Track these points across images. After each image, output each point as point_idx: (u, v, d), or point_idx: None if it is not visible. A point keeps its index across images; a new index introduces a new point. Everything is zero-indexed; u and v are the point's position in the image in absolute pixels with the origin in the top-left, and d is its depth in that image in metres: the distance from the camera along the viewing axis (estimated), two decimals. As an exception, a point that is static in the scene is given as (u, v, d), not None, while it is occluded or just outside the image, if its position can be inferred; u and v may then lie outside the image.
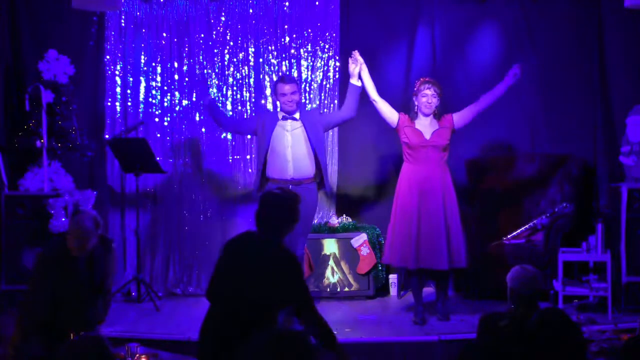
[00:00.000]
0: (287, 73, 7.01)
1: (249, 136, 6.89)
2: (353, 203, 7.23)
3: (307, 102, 7.16)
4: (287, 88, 6.04)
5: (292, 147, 6.00)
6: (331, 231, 6.91)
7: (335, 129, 7.14)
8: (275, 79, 7.14)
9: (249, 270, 3.82)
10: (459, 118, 6.05)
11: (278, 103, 6.19)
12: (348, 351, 5.39)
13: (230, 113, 7.08)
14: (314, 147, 6.02)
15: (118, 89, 7.09)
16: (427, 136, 5.91)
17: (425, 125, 5.96)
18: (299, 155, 6.01)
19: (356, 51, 6.04)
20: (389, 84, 7.30)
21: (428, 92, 5.92)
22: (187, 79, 7.14)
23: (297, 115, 6.08)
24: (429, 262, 5.79)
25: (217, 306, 3.96)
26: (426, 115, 5.96)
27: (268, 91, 7.16)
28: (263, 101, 7.17)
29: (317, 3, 7.18)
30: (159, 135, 7.13)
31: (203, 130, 7.16)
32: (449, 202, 5.87)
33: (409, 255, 5.78)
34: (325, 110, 7.11)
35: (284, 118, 6.06)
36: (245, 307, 3.78)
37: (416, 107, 5.99)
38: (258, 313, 3.73)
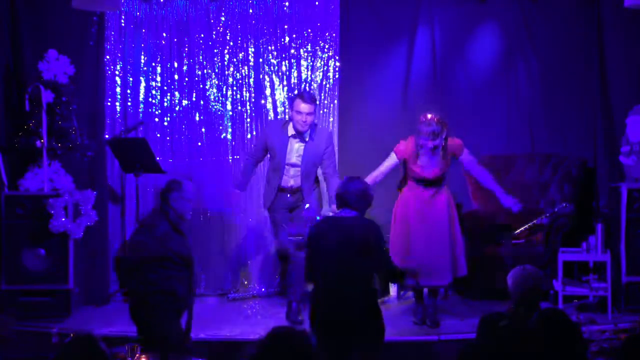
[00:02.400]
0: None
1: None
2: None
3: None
4: (304, 107, 5.87)
5: (292, 164, 6.05)
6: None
7: (335, 129, 7.16)
8: (275, 78, 7.15)
9: (354, 244, 4.49)
10: (467, 162, 5.92)
11: (287, 117, 6.07)
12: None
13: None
14: (305, 169, 6.03)
15: (118, 89, 7.08)
16: (429, 173, 5.80)
17: (427, 161, 5.81)
18: (295, 171, 6.08)
19: None
20: (389, 84, 7.32)
21: (424, 139, 5.68)
22: (187, 79, 7.14)
23: (306, 137, 6.00)
24: (434, 280, 5.81)
25: (326, 284, 4.55)
26: (428, 149, 5.78)
27: (268, 91, 7.16)
28: (263, 101, 7.17)
29: (317, 3, 7.18)
30: (159, 135, 7.13)
31: (203, 130, 7.16)
32: (449, 216, 5.85)
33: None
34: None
35: (293, 136, 6.01)
36: (352, 278, 4.48)
37: (419, 146, 5.76)
38: (361, 283, 4.51)
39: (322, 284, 4.58)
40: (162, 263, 4.65)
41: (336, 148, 7.14)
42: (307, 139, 6.01)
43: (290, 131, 6.01)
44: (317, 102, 6.21)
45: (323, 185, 6.33)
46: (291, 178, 6.07)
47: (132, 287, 4.80)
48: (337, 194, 4.70)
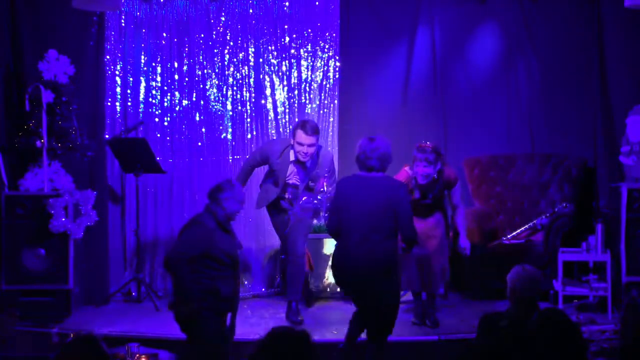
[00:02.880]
0: (287, 74, 6.97)
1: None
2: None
3: (307, 102, 7.16)
4: (306, 139, 5.76)
5: (292, 184, 6.04)
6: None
7: (336, 128, 7.17)
8: (275, 78, 7.15)
9: (380, 200, 4.84)
10: (454, 193, 5.86)
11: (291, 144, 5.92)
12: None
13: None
14: (304, 191, 6.02)
15: (118, 89, 7.09)
16: (423, 200, 5.75)
17: (422, 191, 5.76)
18: (293, 189, 6.06)
19: None
20: (389, 84, 7.32)
21: (420, 164, 5.61)
22: (187, 79, 7.14)
23: (307, 165, 5.95)
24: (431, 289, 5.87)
25: (349, 239, 4.87)
26: (421, 182, 5.71)
27: (268, 91, 7.17)
28: (263, 101, 7.17)
29: (317, 3, 7.18)
30: (159, 135, 7.14)
31: (203, 130, 7.17)
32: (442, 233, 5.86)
33: (414, 279, 5.79)
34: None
35: (294, 162, 5.93)
36: (376, 234, 4.81)
37: (414, 176, 5.69)
38: (385, 238, 4.83)
39: (346, 238, 4.90)
40: (208, 263, 4.63)
41: (336, 148, 7.16)
42: (308, 166, 5.97)
43: (292, 156, 5.92)
44: (319, 133, 5.98)
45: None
46: (290, 194, 6.09)
47: (179, 287, 4.73)
48: (359, 160, 4.97)
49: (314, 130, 5.80)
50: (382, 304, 4.92)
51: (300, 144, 5.76)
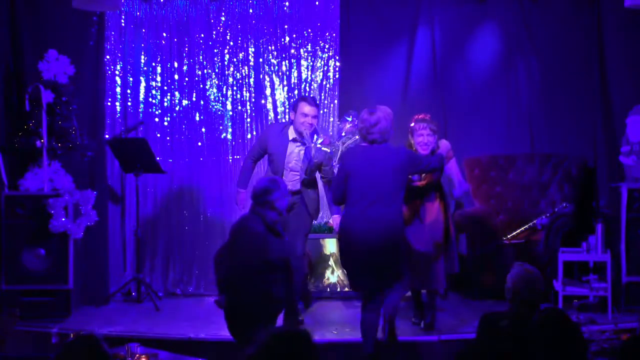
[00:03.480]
0: (287, 74, 7.01)
1: None
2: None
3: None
4: (309, 110, 5.85)
5: (291, 168, 5.99)
6: (331, 231, 6.91)
7: (336, 129, 7.14)
8: (275, 78, 7.15)
9: (385, 167, 5.03)
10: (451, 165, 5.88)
11: (289, 117, 6.02)
12: (348, 351, 5.42)
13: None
14: (304, 174, 5.97)
15: (118, 89, 7.09)
16: (421, 179, 5.78)
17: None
18: (294, 176, 6.00)
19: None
20: (389, 84, 7.32)
21: (424, 132, 5.69)
22: (187, 79, 7.14)
23: (306, 142, 5.93)
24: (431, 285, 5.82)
25: (354, 205, 5.04)
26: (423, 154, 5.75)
27: (268, 91, 7.17)
28: (263, 101, 7.17)
29: (317, 3, 7.18)
30: (159, 135, 7.14)
31: (203, 130, 7.17)
32: (444, 221, 5.83)
33: (414, 276, 5.78)
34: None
35: (294, 140, 5.95)
36: (382, 200, 5.00)
37: (413, 146, 5.74)
38: (392, 205, 5.02)
39: (352, 206, 5.03)
40: (261, 268, 4.58)
41: (336, 148, 7.16)
42: (307, 143, 5.99)
43: (291, 135, 5.95)
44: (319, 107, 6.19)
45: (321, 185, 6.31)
46: (290, 182, 6.01)
47: (230, 293, 4.71)
48: (361, 134, 5.19)
49: (316, 102, 6.03)
50: (390, 269, 5.01)
51: (305, 115, 5.84)
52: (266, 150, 6.05)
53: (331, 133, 6.47)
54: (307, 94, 7.13)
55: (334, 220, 5.87)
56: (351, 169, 5.11)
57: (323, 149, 5.82)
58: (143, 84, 7.11)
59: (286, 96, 7.17)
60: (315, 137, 5.87)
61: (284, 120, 7.10)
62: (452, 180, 5.99)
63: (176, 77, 7.15)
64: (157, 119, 7.14)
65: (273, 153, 5.97)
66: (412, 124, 5.77)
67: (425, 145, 5.68)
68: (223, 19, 7.15)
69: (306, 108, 5.84)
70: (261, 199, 4.71)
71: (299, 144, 5.95)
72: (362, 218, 4.98)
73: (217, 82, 7.15)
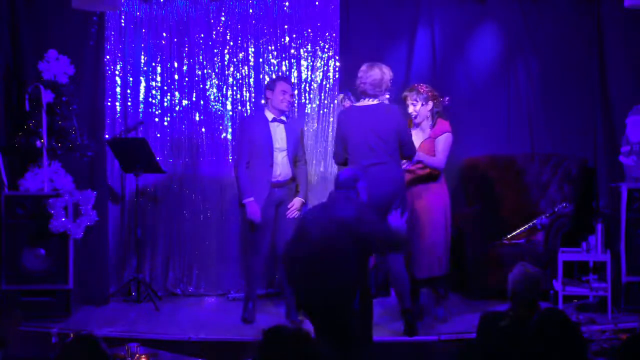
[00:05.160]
0: (286, 74, 7.04)
1: None
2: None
3: (307, 102, 7.16)
4: (288, 88, 6.15)
5: (279, 148, 6.08)
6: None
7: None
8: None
9: (379, 127, 5.37)
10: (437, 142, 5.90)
11: (264, 101, 6.27)
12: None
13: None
14: (291, 151, 6.12)
15: (118, 89, 7.09)
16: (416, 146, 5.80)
17: (415, 136, 5.86)
18: (283, 157, 6.11)
19: None
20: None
21: (408, 102, 5.90)
22: (187, 79, 7.14)
23: (284, 118, 6.16)
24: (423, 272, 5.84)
25: (354, 164, 5.34)
26: (416, 125, 5.93)
27: (268, 91, 7.17)
28: (263, 101, 7.15)
29: (317, 3, 7.18)
30: (159, 135, 7.14)
31: (203, 130, 7.17)
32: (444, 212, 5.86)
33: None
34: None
35: (273, 120, 6.10)
36: (378, 159, 5.34)
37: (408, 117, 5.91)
38: (388, 162, 5.38)
39: (353, 165, 5.27)
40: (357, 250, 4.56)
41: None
42: (285, 120, 6.15)
43: (269, 116, 6.11)
44: None
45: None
46: (279, 166, 6.05)
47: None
48: (357, 85, 5.50)
49: (290, 80, 6.54)
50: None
51: (285, 92, 6.10)
52: (254, 144, 6.05)
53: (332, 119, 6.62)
54: (307, 94, 7.15)
55: None
56: (346, 129, 5.44)
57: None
58: (143, 84, 7.11)
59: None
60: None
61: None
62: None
63: (176, 77, 7.15)
64: (157, 119, 7.14)
65: (260, 139, 6.03)
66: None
67: (413, 116, 5.89)
68: (223, 19, 7.15)
69: (285, 85, 6.12)
70: (349, 183, 4.76)
71: (278, 123, 6.12)
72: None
73: (217, 82, 7.15)
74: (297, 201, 6.15)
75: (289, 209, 6.13)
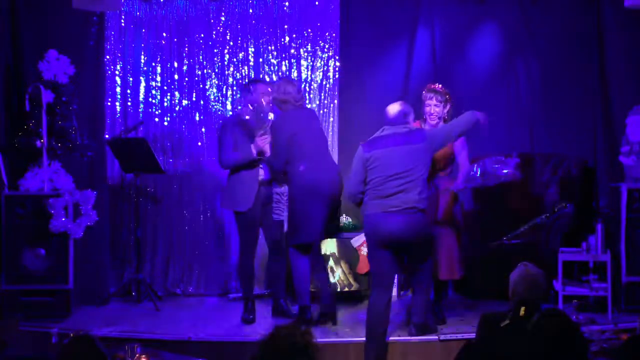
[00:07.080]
0: (286, 73, 7.04)
1: None
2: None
3: (307, 102, 7.16)
4: (267, 88, 6.13)
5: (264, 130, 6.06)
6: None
7: (336, 128, 7.17)
8: (275, 78, 7.15)
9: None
10: (458, 144, 5.93)
11: (240, 107, 6.28)
12: (347, 351, 5.42)
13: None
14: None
15: (118, 89, 7.09)
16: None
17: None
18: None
19: None
20: (389, 84, 7.31)
21: (431, 102, 5.83)
22: (187, 79, 7.15)
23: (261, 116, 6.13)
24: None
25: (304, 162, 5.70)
26: (431, 124, 5.88)
27: (268, 91, 7.17)
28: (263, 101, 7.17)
29: (317, 3, 7.18)
30: (159, 135, 7.14)
31: (203, 130, 7.17)
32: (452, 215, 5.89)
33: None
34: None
35: (250, 119, 6.07)
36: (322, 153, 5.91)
37: (423, 115, 5.89)
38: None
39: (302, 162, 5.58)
40: None
41: (336, 148, 7.17)
42: (262, 116, 6.13)
43: (247, 116, 6.10)
44: None
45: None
46: (260, 166, 6.07)
47: None
48: (293, 99, 5.77)
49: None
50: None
51: (265, 94, 6.10)
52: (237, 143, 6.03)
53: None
54: (307, 94, 7.15)
55: None
56: (294, 131, 5.80)
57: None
58: (143, 84, 7.12)
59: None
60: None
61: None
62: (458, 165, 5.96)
63: (176, 77, 7.15)
64: (157, 119, 7.14)
65: (240, 141, 5.99)
66: (423, 92, 5.91)
67: (431, 115, 5.84)
68: (223, 19, 7.15)
69: (265, 87, 6.14)
70: (402, 120, 5.36)
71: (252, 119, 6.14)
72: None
73: (217, 82, 7.16)
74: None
75: (273, 208, 6.12)
